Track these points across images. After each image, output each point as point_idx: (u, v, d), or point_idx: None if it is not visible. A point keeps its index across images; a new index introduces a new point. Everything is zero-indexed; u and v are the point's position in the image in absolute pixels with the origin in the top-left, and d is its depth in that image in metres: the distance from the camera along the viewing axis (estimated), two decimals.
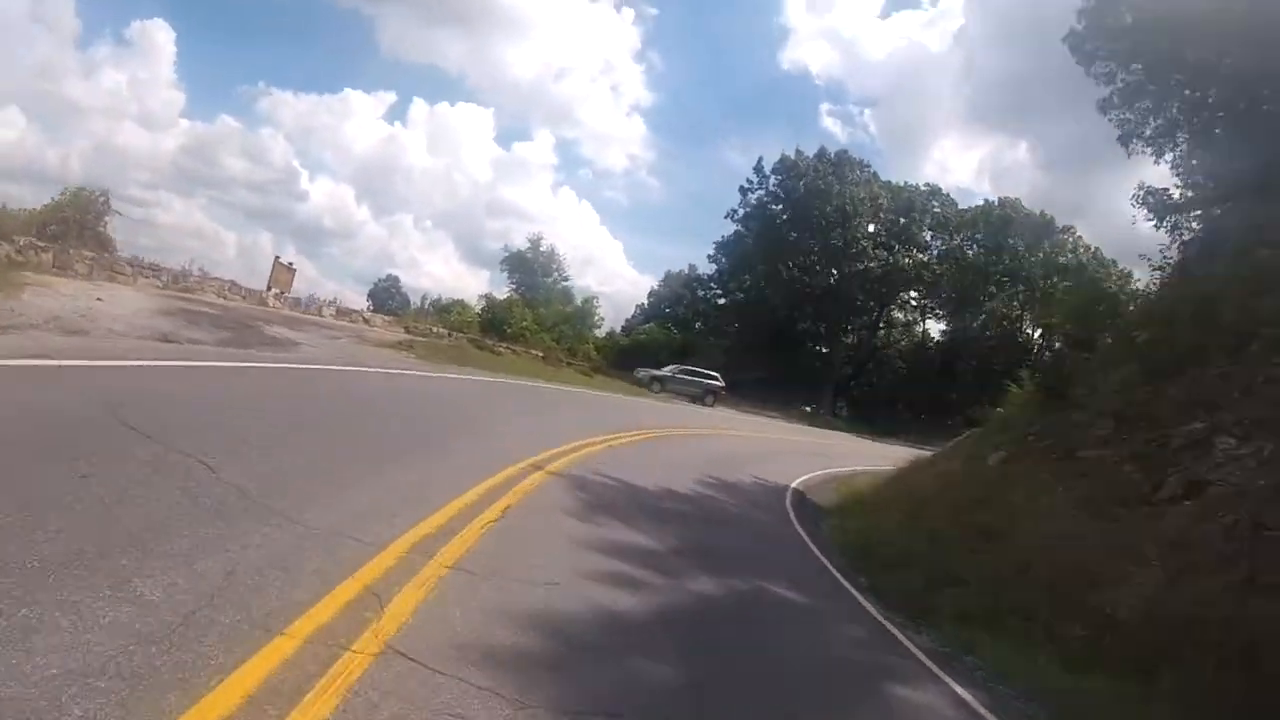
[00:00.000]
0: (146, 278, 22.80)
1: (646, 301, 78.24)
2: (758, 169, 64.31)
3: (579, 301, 54.82)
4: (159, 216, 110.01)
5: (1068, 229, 64.31)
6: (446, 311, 48.08)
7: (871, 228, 62.56)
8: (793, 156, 63.51)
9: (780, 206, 63.77)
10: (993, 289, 63.35)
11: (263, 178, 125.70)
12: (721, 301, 70.83)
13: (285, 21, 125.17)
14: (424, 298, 55.02)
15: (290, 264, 31.55)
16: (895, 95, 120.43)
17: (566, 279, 58.45)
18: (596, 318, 53.69)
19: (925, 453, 28.76)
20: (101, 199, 24.32)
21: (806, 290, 61.75)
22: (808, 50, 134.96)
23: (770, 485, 17.46)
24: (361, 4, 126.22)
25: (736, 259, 66.29)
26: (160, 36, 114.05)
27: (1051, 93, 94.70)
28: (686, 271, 74.31)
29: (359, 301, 67.74)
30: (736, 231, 66.21)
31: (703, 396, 41.81)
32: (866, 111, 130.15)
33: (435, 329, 38.26)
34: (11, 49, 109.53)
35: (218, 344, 14.24)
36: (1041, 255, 61.69)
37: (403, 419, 12.42)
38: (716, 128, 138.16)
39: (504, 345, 41.68)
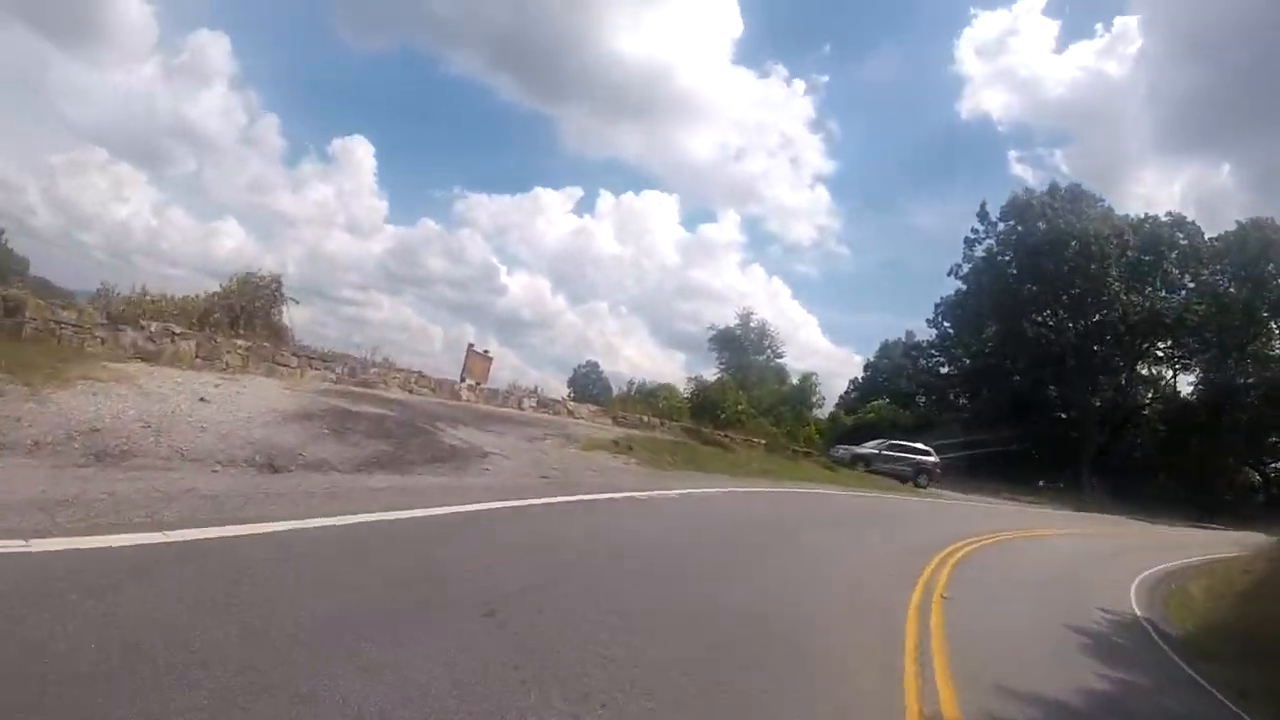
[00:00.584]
0: (316, 369, 18.48)
1: (861, 376, 70.79)
2: (982, 215, 55.28)
3: (795, 380, 48.19)
4: (370, 314, 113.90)
5: None
6: (653, 396, 42.59)
7: (1115, 270, 52.25)
8: (1023, 196, 54.80)
9: (1010, 256, 54.63)
10: (1254, 328, 51.72)
11: (463, 274, 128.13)
12: (945, 370, 62.31)
13: (473, 129, 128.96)
14: (630, 383, 49.93)
15: (486, 352, 27.04)
16: (1084, 130, 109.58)
17: (780, 355, 52.01)
18: (816, 397, 46.75)
19: (1242, 536, 22.20)
20: (272, 285, 20.48)
21: (1050, 348, 52.18)
22: (986, 97, 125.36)
23: (1125, 621, 13.04)
24: (542, 106, 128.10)
25: (963, 320, 57.32)
26: (360, 151, 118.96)
27: (1251, 105, 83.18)
28: (904, 339, 66.53)
29: (560, 388, 64.16)
30: (959, 290, 57.70)
31: (915, 476, 34.06)
32: (1057, 152, 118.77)
33: (645, 418, 32.87)
34: (227, 168, 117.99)
35: (356, 468, 8.92)
36: None
37: (653, 617, 6.38)
38: (904, 188, 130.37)
39: (722, 433, 35.87)
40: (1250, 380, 50.96)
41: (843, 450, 35.84)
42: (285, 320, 20.85)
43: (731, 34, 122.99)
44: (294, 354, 18.07)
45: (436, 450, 11.28)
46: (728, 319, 56.09)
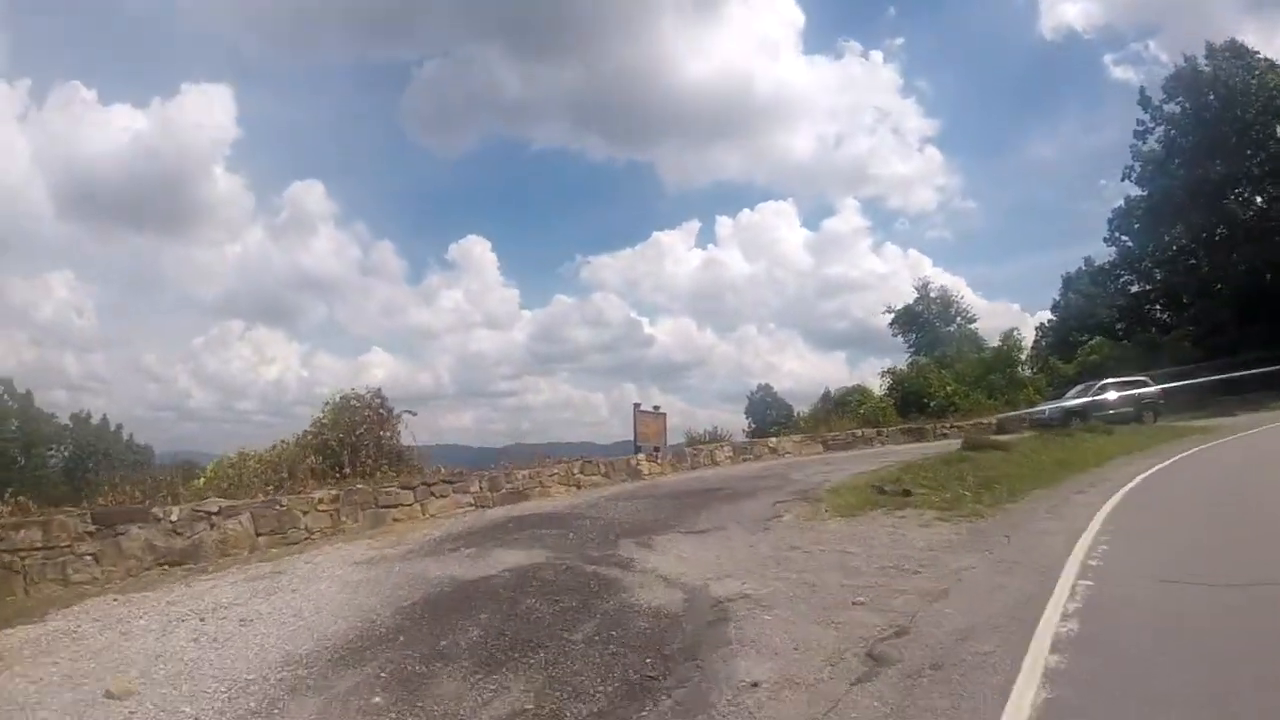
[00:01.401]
0: (443, 495, 12.99)
1: (1048, 320, 60.49)
2: (1144, 103, 44.64)
3: (995, 342, 39.89)
4: (530, 400, 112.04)
5: None
6: (844, 404, 35.41)
7: None
8: (1187, 67, 43.74)
9: (1186, 138, 43.84)
10: None
11: (608, 337, 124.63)
12: (1135, 289, 51.56)
13: (577, 195, 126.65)
14: (825, 392, 42.57)
15: (657, 408, 21.10)
16: (1170, 12, 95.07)
17: (972, 320, 43.88)
18: (1024, 354, 38.23)
19: None
20: (375, 403, 15.34)
21: (1264, 225, 41.15)
22: (1063, 10, 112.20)
23: None
24: (635, 154, 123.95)
25: (1149, 226, 46.82)
26: (477, 250, 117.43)
27: None
28: (1085, 268, 56.36)
29: (735, 420, 57.78)
30: (1131, 197, 46.88)
31: (1139, 415, 26.21)
32: (1150, 43, 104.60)
33: (859, 431, 26.16)
34: (356, 302, 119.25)
35: None
36: None
37: None
38: (1013, 125, 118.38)
39: (948, 424, 28.73)
40: None
41: (1050, 409, 27.58)
42: (405, 439, 15.66)
43: (795, 26, 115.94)
44: (404, 486, 12.58)
45: (629, 650, 5.14)
46: (888, 302, 48.51)
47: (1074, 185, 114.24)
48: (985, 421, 29.78)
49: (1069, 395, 28.14)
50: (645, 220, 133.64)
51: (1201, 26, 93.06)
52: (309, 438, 14.68)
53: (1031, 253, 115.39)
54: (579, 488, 15.58)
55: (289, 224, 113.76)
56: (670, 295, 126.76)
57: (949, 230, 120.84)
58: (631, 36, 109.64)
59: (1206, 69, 42.76)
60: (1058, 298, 59.41)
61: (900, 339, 44.18)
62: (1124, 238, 50.06)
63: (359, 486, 12.07)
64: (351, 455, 14.40)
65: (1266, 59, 42.20)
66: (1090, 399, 26.51)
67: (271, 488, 12.30)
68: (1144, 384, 27.67)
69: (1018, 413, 29.64)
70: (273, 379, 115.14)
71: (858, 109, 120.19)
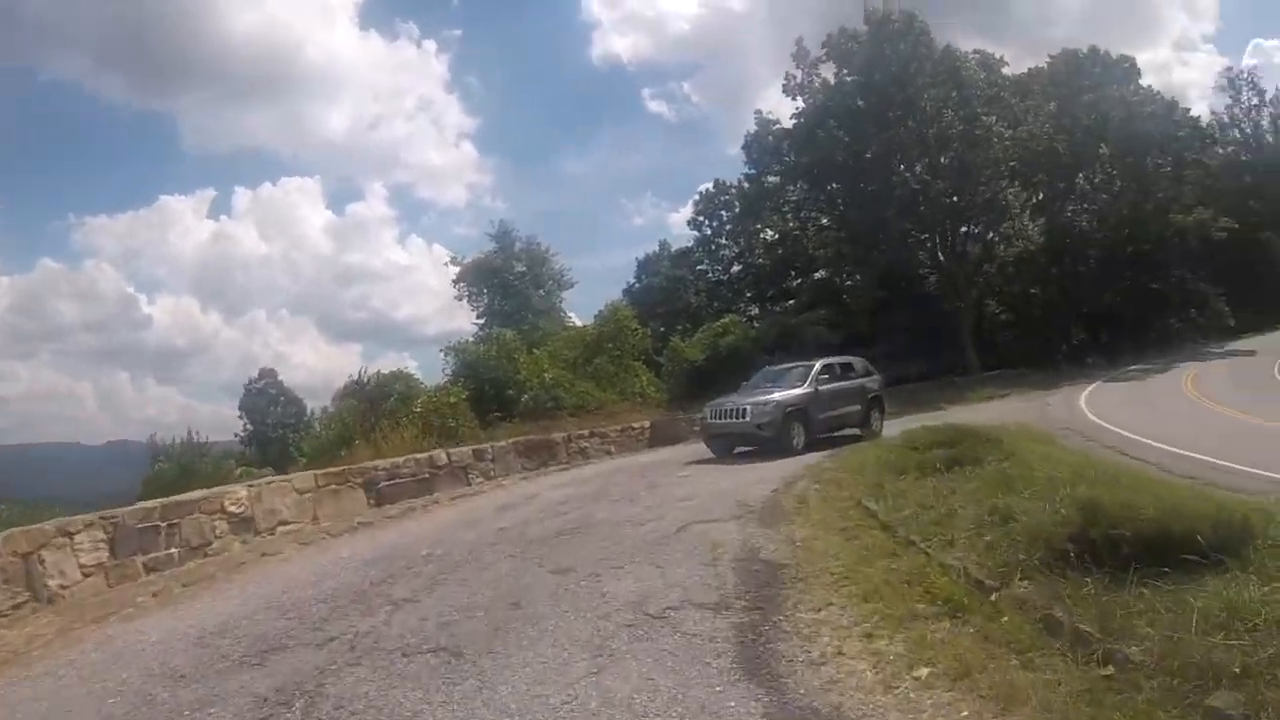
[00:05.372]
0: None
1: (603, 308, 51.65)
2: (800, 56, 33.53)
3: (594, 318, 28.29)
4: (5, 390, 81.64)
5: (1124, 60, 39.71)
6: (382, 397, 20.96)
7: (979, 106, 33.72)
8: (875, 15, 33.25)
9: (848, 102, 33.76)
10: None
11: (100, 314, 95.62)
12: (736, 268, 44.66)
13: (81, 141, 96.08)
14: (351, 381, 26.43)
15: None
16: (711, 58, 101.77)
17: (570, 286, 32.04)
18: (638, 334, 26.92)
19: None
20: None
21: (916, 204, 34.14)
22: (615, 41, 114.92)
23: None
24: (156, 101, 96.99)
25: (752, 206, 38.84)
26: None
27: None
28: (660, 251, 48.45)
29: (227, 415, 40.48)
30: (721, 182, 41.95)
31: (865, 419, 14.87)
32: (685, 84, 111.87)
33: (443, 456, 12.36)
34: None
35: None
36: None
37: None
38: (551, 135, 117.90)
39: (586, 433, 16.62)
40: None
41: (753, 410, 13.61)
42: None
43: None
44: None
45: None
46: (453, 252, 35.45)
47: (600, 199, 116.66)
48: (635, 426, 18.07)
49: (759, 386, 15.40)
50: (153, 180, 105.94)
51: (736, 75, 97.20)
52: None
53: (571, 252, 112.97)
54: None
55: None
56: (174, 269, 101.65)
57: (475, 228, 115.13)
58: None
59: (891, 26, 33.00)
60: (633, 281, 50.67)
61: (469, 301, 30.89)
62: (705, 223, 43.28)
63: None
64: None
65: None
66: (808, 390, 14.03)
67: None
68: (863, 371, 15.74)
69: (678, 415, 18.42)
70: None
71: (401, 93, 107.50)
